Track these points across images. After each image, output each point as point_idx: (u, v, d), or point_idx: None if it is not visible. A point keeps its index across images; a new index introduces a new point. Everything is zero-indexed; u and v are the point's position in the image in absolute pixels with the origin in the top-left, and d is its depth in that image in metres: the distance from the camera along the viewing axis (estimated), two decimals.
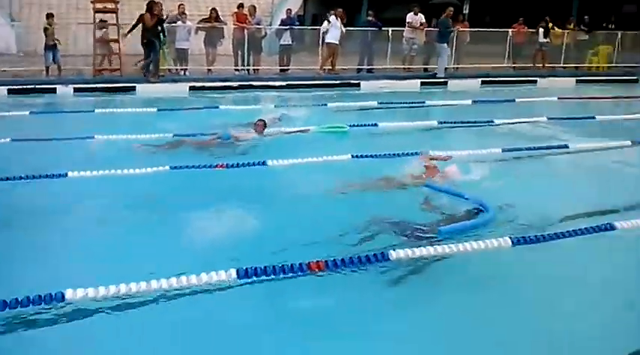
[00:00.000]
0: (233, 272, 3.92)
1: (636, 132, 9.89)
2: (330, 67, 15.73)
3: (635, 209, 5.89)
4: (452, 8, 16.19)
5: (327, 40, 15.41)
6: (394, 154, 7.57)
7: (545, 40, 17.77)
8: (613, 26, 19.26)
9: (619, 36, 18.65)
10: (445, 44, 15.91)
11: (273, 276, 3.94)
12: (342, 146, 8.14)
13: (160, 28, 13.33)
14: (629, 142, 8.93)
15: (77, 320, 3.59)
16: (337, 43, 15.41)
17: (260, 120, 8.70)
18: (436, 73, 16.04)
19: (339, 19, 15.40)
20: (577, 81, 16.95)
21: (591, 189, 6.80)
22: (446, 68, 16.23)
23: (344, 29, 15.70)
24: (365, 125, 9.62)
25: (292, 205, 5.79)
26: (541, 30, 17.70)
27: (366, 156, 7.47)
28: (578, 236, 4.97)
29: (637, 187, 6.84)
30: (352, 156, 7.42)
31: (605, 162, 8.22)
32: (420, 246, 4.51)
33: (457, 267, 4.46)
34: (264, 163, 6.99)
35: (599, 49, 18.71)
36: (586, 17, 18.87)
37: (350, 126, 9.39)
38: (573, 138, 9.24)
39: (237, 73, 15.31)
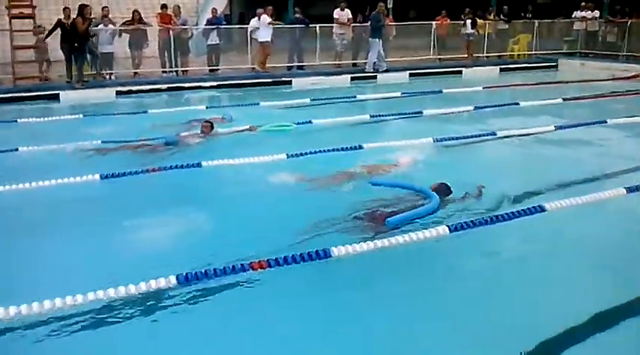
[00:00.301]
0: (173, 279, 3.83)
1: (558, 117, 10.37)
2: (259, 66, 15.65)
3: (561, 189, 6.16)
4: (382, 4, 16.37)
5: (260, 39, 15.31)
6: (331, 149, 7.59)
7: (472, 31, 18.30)
8: (530, 15, 20.02)
9: (537, 24, 19.44)
10: (377, 39, 16.05)
11: (214, 279, 3.87)
12: (277, 145, 8.10)
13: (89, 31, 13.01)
14: (552, 127, 9.32)
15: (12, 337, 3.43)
16: (270, 40, 15.37)
17: (207, 121, 8.68)
18: (372, 69, 16.14)
19: (270, 17, 15.34)
20: (500, 69, 17.54)
21: (521, 173, 7.06)
22: (377, 62, 16.29)
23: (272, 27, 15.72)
24: (300, 123, 9.60)
25: (234, 206, 5.75)
26: (468, 21, 18.22)
27: (304, 154, 7.43)
28: (512, 219, 5.13)
29: (562, 169, 7.11)
30: (288, 156, 7.38)
31: (531, 146, 8.55)
32: (362, 241, 4.52)
33: (399, 259, 4.50)
34: (199, 165, 6.87)
35: (520, 38, 19.42)
36: (505, 7, 19.54)
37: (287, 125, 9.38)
38: (500, 125, 9.57)
39: (165, 75, 15.00)
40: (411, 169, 6.78)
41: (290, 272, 4.09)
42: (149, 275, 3.85)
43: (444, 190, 5.61)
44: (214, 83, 14.47)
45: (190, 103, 12.35)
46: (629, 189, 5.90)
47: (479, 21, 18.79)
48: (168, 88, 13.91)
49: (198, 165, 6.87)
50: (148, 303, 3.72)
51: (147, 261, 4.33)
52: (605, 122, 9.72)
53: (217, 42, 15.61)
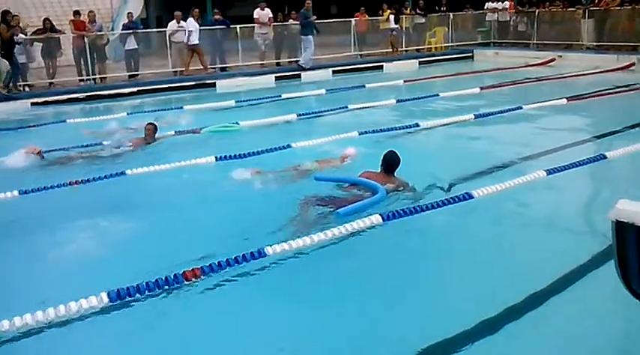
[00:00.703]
0: (104, 296, 3.71)
1: (477, 105, 10.76)
2: (184, 69, 15.40)
3: (486, 176, 6.40)
4: (309, 1, 16.34)
5: (190, 42, 15.14)
6: (260, 151, 7.56)
7: (395, 26, 18.70)
8: (445, 9, 20.61)
9: (451, 17, 20.05)
10: (310, 36, 16.14)
11: (147, 293, 3.78)
12: (206, 148, 8.00)
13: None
14: (472, 116, 9.66)
15: None
16: (197, 43, 15.26)
17: (150, 123, 8.46)
18: (302, 65, 16.17)
19: (196, 19, 15.30)
20: (420, 63, 17.99)
21: (446, 162, 7.23)
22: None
23: (190, 28, 15.54)
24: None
25: (161, 214, 5.65)
26: (391, 16, 18.59)
27: (233, 157, 7.36)
28: (441, 207, 5.27)
29: (485, 157, 7.35)
30: (216, 159, 7.31)
31: (453, 135, 8.83)
32: (297, 238, 4.54)
33: (336, 252, 4.55)
34: (122, 173, 6.69)
35: (436, 31, 19.98)
36: (421, 2, 20.03)
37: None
38: (423, 116, 9.83)
39: (82, 83, 14.50)
40: (339, 163, 6.86)
41: (226, 276, 4.07)
42: (79, 294, 3.71)
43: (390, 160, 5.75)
44: (134, 89, 14.12)
45: (111, 111, 11.98)
46: (549, 172, 6.18)
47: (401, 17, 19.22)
48: (87, 96, 13.47)
49: (122, 173, 6.69)
50: (79, 323, 3.60)
51: (75, 278, 4.19)
52: (521, 108, 10.18)
53: (135, 47, 15.25)
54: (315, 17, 16.36)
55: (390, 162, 5.78)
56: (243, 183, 6.29)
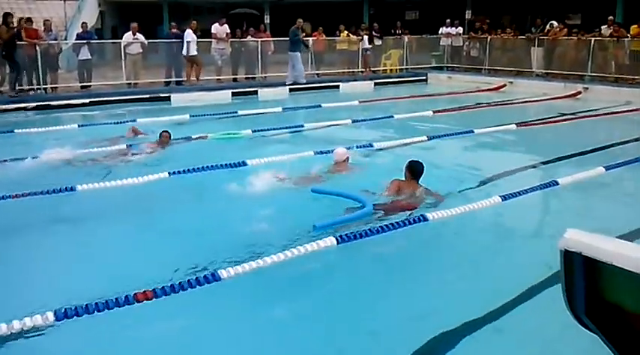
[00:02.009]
0: (50, 315, 3.58)
1: (430, 128, 10.96)
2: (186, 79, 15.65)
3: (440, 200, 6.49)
4: (301, 20, 16.90)
5: (189, 54, 15.53)
6: (214, 166, 7.49)
7: (369, 46, 19.12)
8: (400, 31, 21.03)
9: (406, 40, 20.46)
10: (298, 53, 16.45)
11: (96, 313, 3.67)
12: (158, 163, 7.89)
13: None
14: (425, 137, 9.82)
15: None
16: (196, 54, 15.70)
17: (165, 131, 8.98)
18: (290, 81, 16.50)
19: (195, 32, 15.73)
20: (375, 84, 18.24)
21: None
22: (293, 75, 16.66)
23: (146, 41, 15.47)
24: (180, 138, 9.43)
25: (115, 229, 5.52)
26: (365, 37, 18.96)
27: (186, 171, 7.26)
28: (397, 229, 5.28)
29: (436, 179, 7.43)
30: (169, 174, 7.21)
31: (408, 156, 8.90)
32: (257, 259, 4.50)
33: (290, 274, 4.52)
34: (72, 189, 6.51)
35: (392, 53, 20.35)
36: (375, 24, 20.38)
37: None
38: (376, 137, 9.94)
39: (32, 92, 14.12)
40: (289, 184, 6.86)
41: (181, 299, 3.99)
42: (23, 312, 3.58)
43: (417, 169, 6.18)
44: (87, 100, 13.83)
45: (61, 122, 11.68)
46: (504, 197, 6.26)
47: (352, 37, 19.50)
48: (37, 106, 13.11)
49: (72, 189, 6.51)
50: (24, 342, 3.47)
51: (19, 295, 4.04)
52: (473, 132, 10.42)
53: (89, 57, 14.99)
54: (304, 34, 16.94)
55: (417, 171, 6.18)
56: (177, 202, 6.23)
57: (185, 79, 15.92)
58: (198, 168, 7.35)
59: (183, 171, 7.26)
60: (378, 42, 20.02)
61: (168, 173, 7.18)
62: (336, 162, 7.43)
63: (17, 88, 13.48)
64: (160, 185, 6.94)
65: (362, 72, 19.22)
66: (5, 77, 13.51)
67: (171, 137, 9.02)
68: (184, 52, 15.59)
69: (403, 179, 6.25)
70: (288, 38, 16.72)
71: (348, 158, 7.51)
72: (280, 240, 5.00)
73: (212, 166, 7.49)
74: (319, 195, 6.19)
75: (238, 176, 7.10)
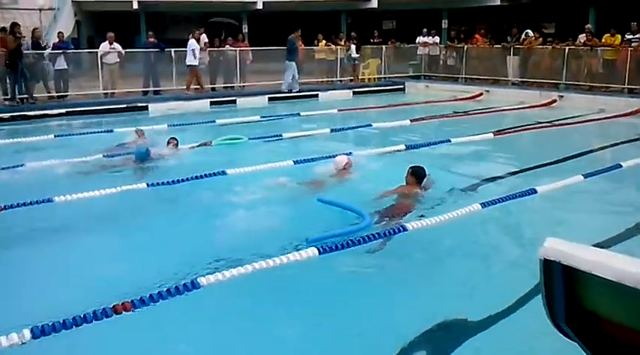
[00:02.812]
0: (27, 333, 3.48)
1: (407, 137, 11.02)
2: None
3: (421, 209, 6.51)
4: (299, 30, 17.39)
5: (187, 63, 15.80)
6: (193, 177, 7.41)
7: (357, 55, 19.34)
8: (377, 41, 21.15)
9: (384, 49, 20.59)
10: (293, 61, 16.78)
11: (74, 328, 3.60)
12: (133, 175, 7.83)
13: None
14: (403, 146, 9.87)
15: None
16: (196, 64, 15.90)
17: (172, 138, 9.27)
18: (284, 89, 16.89)
19: (198, 41, 16.03)
20: (353, 93, 18.32)
21: (379, 192, 7.33)
22: (291, 83, 17.08)
23: (123, 51, 15.39)
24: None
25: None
26: (353, 46, 19.15)
27: (166, 183, 7.17)
28: (377, 239, 5.27)
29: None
30: (148, 185, 7.11)
31: (387, 164, 8.95)
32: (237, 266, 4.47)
33: (271, 283, 4.51)
34: (49, 200, 6.40)
35: (370, 63, 20.46)
36: (353, 33, 20.50)
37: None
38: (355, 145, 9.97)
39: (7, 103, 13.91)
40: (268, 194, 6.85)
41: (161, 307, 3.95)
42: None
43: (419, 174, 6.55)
44: (63, 110, 13.67)
45: (38, 132, 11.52)
46: (484, 204, 6.31)
47: (332, 47, 19.59)
48: (12, 117, 12.93)
49: (49, 200, 6.41)
50: None
51: None
52: (450, 141, 10.49)
53: (65, 67, 14.83)
54: (301, 45, 17.41)
55: (420, 175, 6.58)
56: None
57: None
58: (178, 180, 7.26)
59: (162, 183, 7.17)
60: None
61: (147, 184, 7.09)
62: (336, 170, 7.55)
63: (17, 96, 13.68)
64: (136, 196, 6.88)
65: (351, 80, 19.49)
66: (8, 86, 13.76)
67: (179, 143, 9.27)
68: (187, 61, 15.84)
69: (404, 184, 6.59)
70: (267, 48, 16.81)
71: (348, 164, 7.62)
72: (271, 248, 4.97)
73: (192, 177, 7.42)
74: (323, 203, 6.16)
75: (219, 186, 7.08)
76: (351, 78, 19.61)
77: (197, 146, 9.60)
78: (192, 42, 15.86)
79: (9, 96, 13.57)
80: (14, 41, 13.20)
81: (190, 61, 15.86)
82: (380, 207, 6.14)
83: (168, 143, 9.20)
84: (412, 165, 6.76)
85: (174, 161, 8.67)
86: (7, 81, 13.58)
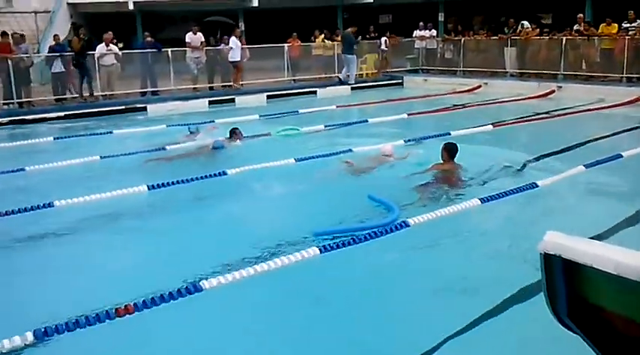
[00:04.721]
0: (30, 336, 3.49)
1: (406, 132, 11.01)
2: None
3: (422, 202, 6.51)
4: (355, 27, 18.50)
5: (232, 59, 16.45)
6: (192, 179, 7.43)
7: (386, 49, 20.02)
8: (374, 35, 21.08)
9: (385, 42, 20.49)
10: (354, 55, 17.82)
11: (78, 330, 3.61)
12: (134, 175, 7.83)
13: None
14: (402, 141, 9.85)
15: None
16: (239, 59, 16.61)
17: (236, 128, 9.88)
18: (347, 81, 17.90)
19: (238, 39, 16.54)
20: (352, 88, 18.25)
21: (380, 187, 7.28)
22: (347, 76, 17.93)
23: (120, 52, 15.40)
24: (153, 150, 9.38)
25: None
26: (383, 39, 19.80)
27: (165, 185, 7.19)
28: (378, 237, 5.26)
29: (416, 182, 7.46)
30: (148, 188, 7.11)
31: (385, 161, 8.94)
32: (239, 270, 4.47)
33: (274, 283, 4.51)
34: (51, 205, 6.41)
35: (367, 58, 20.42)
36: (350, 28, 20.38)
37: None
38: (353, 141, 9.93)
39: (6, 107, 13.91)
40: (273, 191, 6.88)
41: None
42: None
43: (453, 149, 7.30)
44: (61, 113, 13.66)
45: (37, 135, 11.52)
46: (483, 200, 6.27)
47: (328, 42, 19.56)
48: (10, 121, 12.93)
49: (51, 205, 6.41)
50: None
51: None
52: (449, 134, 10.46)
53: (62, 70, 14.81)
54: (359, 39, 18.65)
55: (453, 150, 7.32)
56: None
57: (231, 83, 16.99)
58: (179, 181, 7.26)
59: (163, 184, 7.17)
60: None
61: (147, 187, 7.07)
62: (382, 155, 8.38)
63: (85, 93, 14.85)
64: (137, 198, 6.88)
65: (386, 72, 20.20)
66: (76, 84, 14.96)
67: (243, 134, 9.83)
68: (230, 57, 16.46)
69: (441, 161, 7.31)
70: (263, 46, 16.82)
71: (391, 154, 8.37)
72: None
73: (190, 179, 7.42)
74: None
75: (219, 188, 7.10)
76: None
77: (258, 136, 10.29)
78: (233, 39, 16.49)
79: (76, 95, 14.87)
80: (79, 42, 14.47)
81: (233, 57, 16.45)
82: (424, 182, 6.96)
83: (234, 133, 9.69)
84: (445, 142, 7.52)
85: (242, 150, 9.42)
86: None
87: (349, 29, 18.37)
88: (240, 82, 17.15)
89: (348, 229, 5.41)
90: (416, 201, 6.46)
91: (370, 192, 6.52)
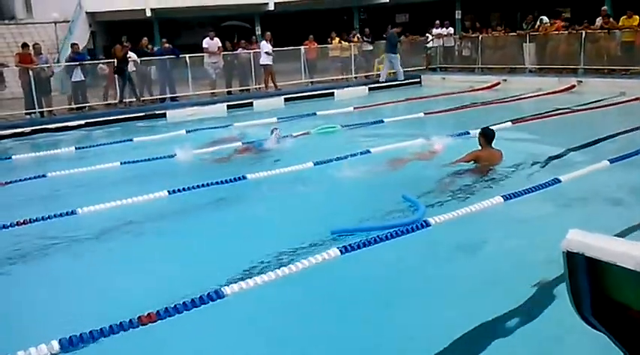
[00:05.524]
0: (55, 345, 3.51)
1: (425, 130, 10.94)
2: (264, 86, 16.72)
3: (441, 202, 6.45)
4: (400, 28, 19.54)
5: (261, 63, 16.89)
6: (214, 182, 7.47)
7: (432, 47, 20.69)
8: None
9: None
10: (397, 54, 18.37)
11: (102, 339, 3.62)
12: (150, 182, 7.90)
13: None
14: (421, 139, 9.76)
15: None
16: (269, 63, 16.98)
17: (275, 128, 10.28)
18: (396, 78, 18.73)
19: (269, 42, 16.82)
20: (369, 89, 18.22)
21: (398, 188, 7.24)
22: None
23: (138, 59, 15.52)
24: (163, 157, 9.49)
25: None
26: (430, 35, 20.31)
27: (185, 189, 7.24)
28: (399, 236, 5.22)
29: (437, 181, 7.40)
30: (169, 192, 7.15)
31: (405, 161, 8.89)
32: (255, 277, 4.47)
33: (296, 286, 4.49)
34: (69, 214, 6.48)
35: (384, 57, 20.33)
36: (366, 29, 20.40)
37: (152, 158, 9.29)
38: (372, 142, 9.88)
39: (28, 116, 14.14)
40: (291, 193, 6.90)
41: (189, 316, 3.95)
42: (27, 343, 3.53)
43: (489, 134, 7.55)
44: (82, 122, 13.83)
45: (59, 145, 11.67)
46: (505, 197, 6.19)
47: (344, 44, 19.55)
48: (33, 130, 13.13)
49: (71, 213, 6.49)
50: None
51: (19, 324, 4.01)
52: (468, 133, 10.36)
53: (82, 78, 15.01)
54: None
55: (490, 135, 7.55)
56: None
57: (263, 86, 17.43)
58: (198, 186, 7.30)
59: (183, 189, 7.22)
60: (369, 47, 20.06)
61: (168, 192, 7.12)
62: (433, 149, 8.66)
63: (124, 100, 15.34)
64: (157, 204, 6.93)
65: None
66: (117, 90, 15.37)
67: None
68: (261, 61, 16.88)
69: (480, 148, 7.53)
70: (280, 49, 16.89)
71: (439, 148, 8.64)
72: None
73: (214, 182, 7.46)
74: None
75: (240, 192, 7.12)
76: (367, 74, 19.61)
77: (299, 135, 10.69)
78: (263, 43, 16.87)
79: (117, 100, 15.25)
80: (121, 50, 14.96)
81: (264, 60, 16.78)
82: (464, 169, 7.31)
83: (273, 132, 10.05)
84: (482, 127, 7.79)
85: (283, 149, 9.73)
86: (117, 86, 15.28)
87: (393, 29, 18.89)
88: (273, 83, 17.42)
89: (365, 228, 5.37)
90: (442, 197, 6.54)
91: (408, 188, 6.65)
